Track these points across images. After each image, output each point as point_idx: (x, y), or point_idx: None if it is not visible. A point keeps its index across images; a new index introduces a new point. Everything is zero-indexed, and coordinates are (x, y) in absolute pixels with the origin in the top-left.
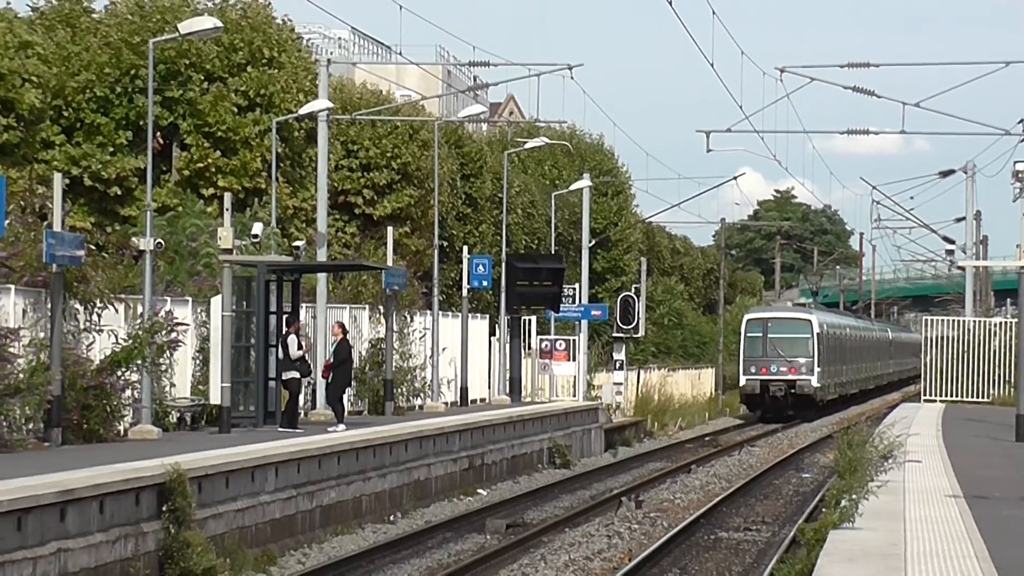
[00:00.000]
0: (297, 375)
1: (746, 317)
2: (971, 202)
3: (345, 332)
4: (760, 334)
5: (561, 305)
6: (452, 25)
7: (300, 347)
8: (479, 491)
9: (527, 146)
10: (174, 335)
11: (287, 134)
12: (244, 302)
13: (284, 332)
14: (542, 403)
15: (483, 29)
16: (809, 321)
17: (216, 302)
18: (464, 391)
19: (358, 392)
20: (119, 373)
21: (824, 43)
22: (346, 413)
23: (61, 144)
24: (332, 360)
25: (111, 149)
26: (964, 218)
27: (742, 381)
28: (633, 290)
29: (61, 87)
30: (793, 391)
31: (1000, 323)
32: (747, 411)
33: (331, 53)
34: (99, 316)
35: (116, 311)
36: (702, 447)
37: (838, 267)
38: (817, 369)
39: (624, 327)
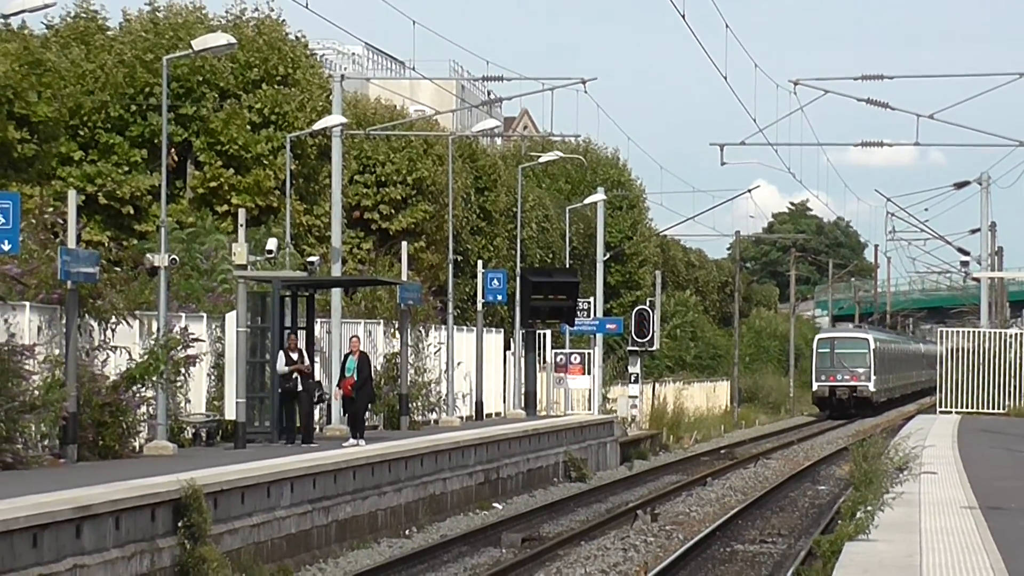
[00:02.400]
0: (291, 387)
1: (817, 337)
2: (986, 213)
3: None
4: (828, 350)
5: (576, 319)
6: (466, 40)
7: (288, 363)
8: (495, 505)
9: (541, 160)
10: (191, 351)
11: (301, 151)
12: (259, 318)
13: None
14: (557, 417)
15: (496, 44)
16: (867, 339)
17: (231, 318)
18: (479, 405)
19: (373, 407)
20: (134, 389)
21: (838, 55)
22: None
23: (78, 160)
24: (355, 376)
25: (126, 167)
26: (979, 229)
27: (814, 387)
28: (648, 303)
29: (77, 105)
30: (855, 394)
31: (1016, 334)
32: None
33: (345, 69)
34: (113, 332)
35: (131, 327)
36: (718, 460)
37: (853, 279)
38: (873, 377)
39: (639, 340)
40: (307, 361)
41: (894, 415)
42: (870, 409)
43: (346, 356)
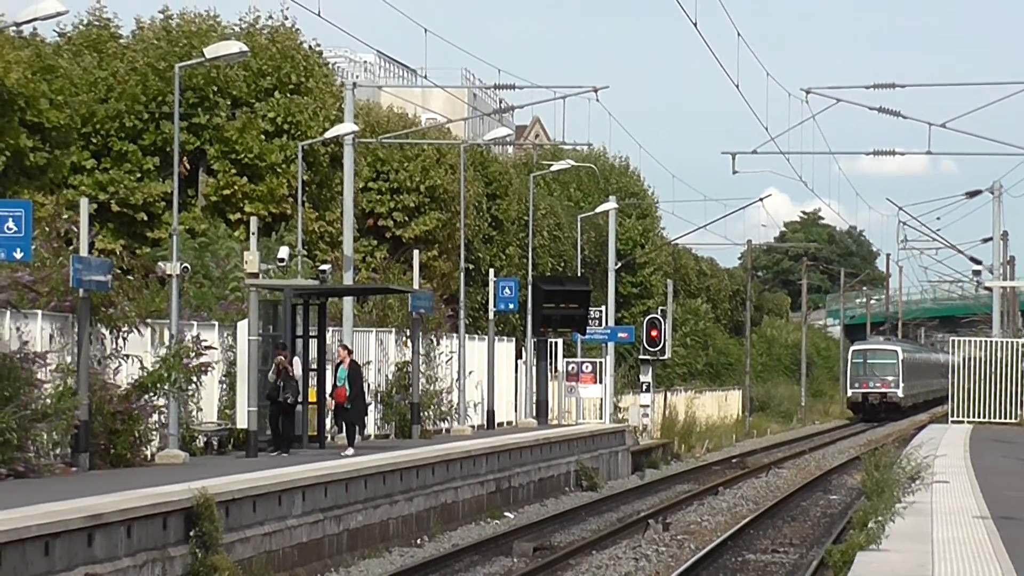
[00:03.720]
0: (274, 395)
1: (852, 348)
2: (998, 222)
3: (350, 353)
4: (862, 360)
5: (587, 327)
6: (477, 48)
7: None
8: (506, 514)
9: (553, 168)
10: (203, 359)
11: (313, 159)
12: (271, 326)
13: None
14: (569, 426)
15: (508, 52)
16: (896, 351)
17: (243, 326)
18: (491, 414)
19: (384, 416)
20: (146, 398)
21: (849, 64)
22: (372, 436)
23: (91, 169)
24: (346, 386)
25: (138, 175)
26: (991, 238)
27: (848, 393)
28: (659, 312)
29: (90, 113)
30: (885, 400)
31: None
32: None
33: (357, 77)
34: (125, 340)
35: (142, 335)
36: (729, 469)
37: (865, 288)
38: (902, 384)
39: (651, 349)
40: (295, 371)
41: (905, 425)
42: (898, 413)
43: (336, 365)
